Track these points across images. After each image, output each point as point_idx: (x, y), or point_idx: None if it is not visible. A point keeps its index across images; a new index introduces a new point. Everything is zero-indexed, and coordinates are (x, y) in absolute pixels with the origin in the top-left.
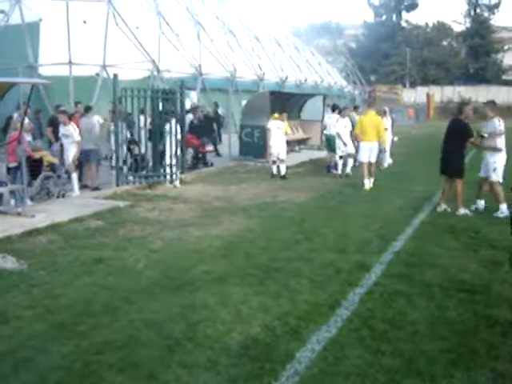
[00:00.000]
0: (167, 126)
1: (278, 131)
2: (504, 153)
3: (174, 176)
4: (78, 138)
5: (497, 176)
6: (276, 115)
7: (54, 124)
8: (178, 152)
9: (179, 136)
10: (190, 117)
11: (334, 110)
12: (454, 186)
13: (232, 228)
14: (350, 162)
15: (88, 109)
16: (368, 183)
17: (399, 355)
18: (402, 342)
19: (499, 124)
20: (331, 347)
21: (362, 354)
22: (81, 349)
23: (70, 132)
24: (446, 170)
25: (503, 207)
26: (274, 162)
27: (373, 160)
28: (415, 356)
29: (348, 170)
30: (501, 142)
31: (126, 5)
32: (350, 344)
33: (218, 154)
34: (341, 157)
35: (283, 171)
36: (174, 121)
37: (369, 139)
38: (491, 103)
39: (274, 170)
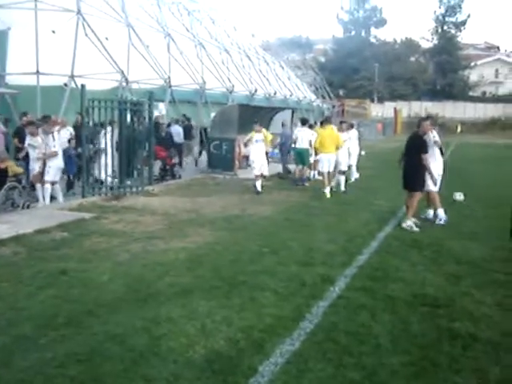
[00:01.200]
0: (101, 138)
1: (258, 145)
2: (440, 163)
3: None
4: (45, 150)
5: (433, 186)
6: (256, 129)
7: (20, 134)
8: (115, 165)
9: (109, 148)
10: (176, 128)
11: (304, 124)
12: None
13: (198, 241)
14: (342, 178)
15: (45, 118)
16: (328, 191)
17: (362, 368)
18: (365, 355)
19: (433, 135)
20: (294, 360)
21: (325, 367)
22: (43, 362)
23: (38, 143)
24: (406, 184)
25: (440, 212)
26: (258, 177)
27: (332, 170)
28: (378, 369)
29: (342, 187)
30: (434, 151)
31: (95, 15)
32: (313, 357)
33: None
34: (343, 172)
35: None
36: (109, 129)
37: (327, 151)
38: (430, 118)
39: (258, 186)
